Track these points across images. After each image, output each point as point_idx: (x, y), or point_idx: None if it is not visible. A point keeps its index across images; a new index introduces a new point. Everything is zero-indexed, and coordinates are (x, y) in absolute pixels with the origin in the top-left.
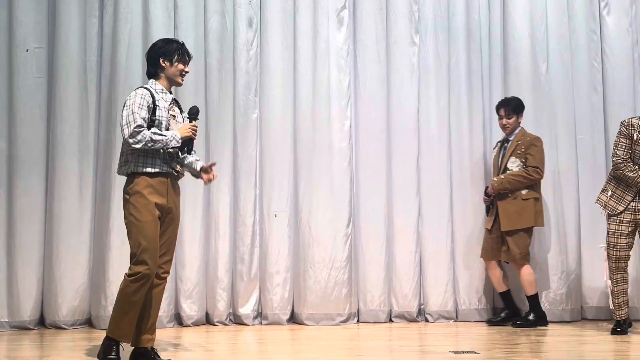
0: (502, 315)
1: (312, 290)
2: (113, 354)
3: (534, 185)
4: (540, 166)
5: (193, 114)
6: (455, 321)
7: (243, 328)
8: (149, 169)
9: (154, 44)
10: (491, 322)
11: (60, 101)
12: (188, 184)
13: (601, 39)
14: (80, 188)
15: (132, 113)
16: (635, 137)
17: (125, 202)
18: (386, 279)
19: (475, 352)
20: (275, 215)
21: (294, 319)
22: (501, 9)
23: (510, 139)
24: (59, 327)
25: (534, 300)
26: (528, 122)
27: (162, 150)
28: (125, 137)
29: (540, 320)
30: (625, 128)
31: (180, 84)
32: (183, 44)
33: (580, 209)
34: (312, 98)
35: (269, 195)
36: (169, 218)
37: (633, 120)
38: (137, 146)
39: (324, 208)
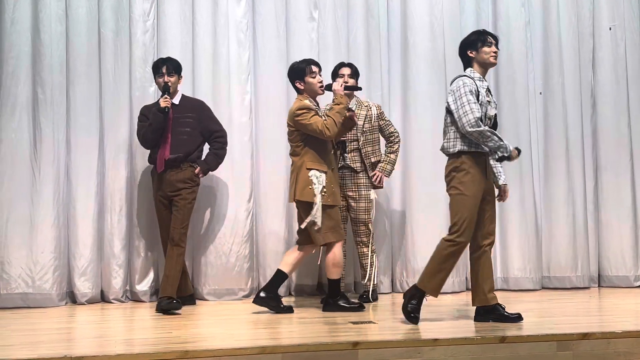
0: None
1: (213, 265)
2: (415, 301)
3: None
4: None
5: None
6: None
7: (140, 305)
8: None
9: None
10: None
11: None
12: (82, 159)
13: (495, 18)
14: None
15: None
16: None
17: (452, 178)
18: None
19: (373, 322)
20: None
21: (194, 294)
22: None
23: None
24: None
25: None
26: (423, 98)
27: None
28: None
29: None
30: None
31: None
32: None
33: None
34: (212, 72)
35: None
36: (490, 196)
37: None
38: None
39: (224, 183)
